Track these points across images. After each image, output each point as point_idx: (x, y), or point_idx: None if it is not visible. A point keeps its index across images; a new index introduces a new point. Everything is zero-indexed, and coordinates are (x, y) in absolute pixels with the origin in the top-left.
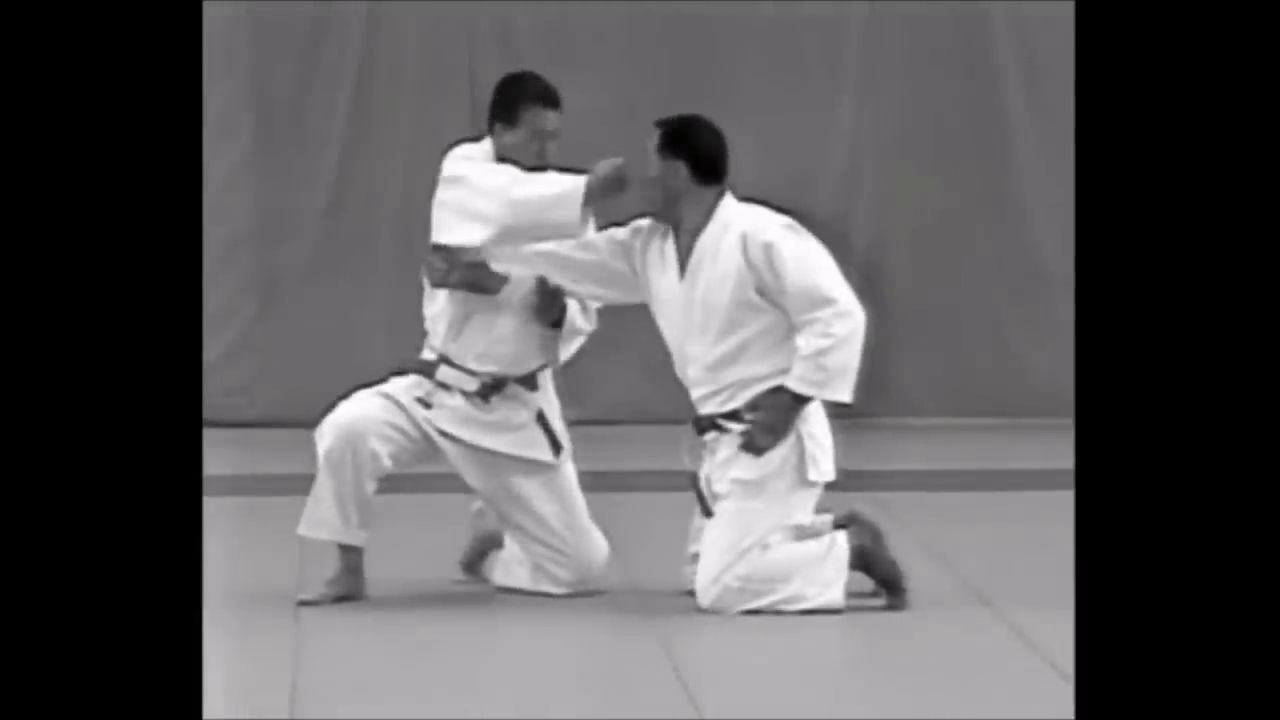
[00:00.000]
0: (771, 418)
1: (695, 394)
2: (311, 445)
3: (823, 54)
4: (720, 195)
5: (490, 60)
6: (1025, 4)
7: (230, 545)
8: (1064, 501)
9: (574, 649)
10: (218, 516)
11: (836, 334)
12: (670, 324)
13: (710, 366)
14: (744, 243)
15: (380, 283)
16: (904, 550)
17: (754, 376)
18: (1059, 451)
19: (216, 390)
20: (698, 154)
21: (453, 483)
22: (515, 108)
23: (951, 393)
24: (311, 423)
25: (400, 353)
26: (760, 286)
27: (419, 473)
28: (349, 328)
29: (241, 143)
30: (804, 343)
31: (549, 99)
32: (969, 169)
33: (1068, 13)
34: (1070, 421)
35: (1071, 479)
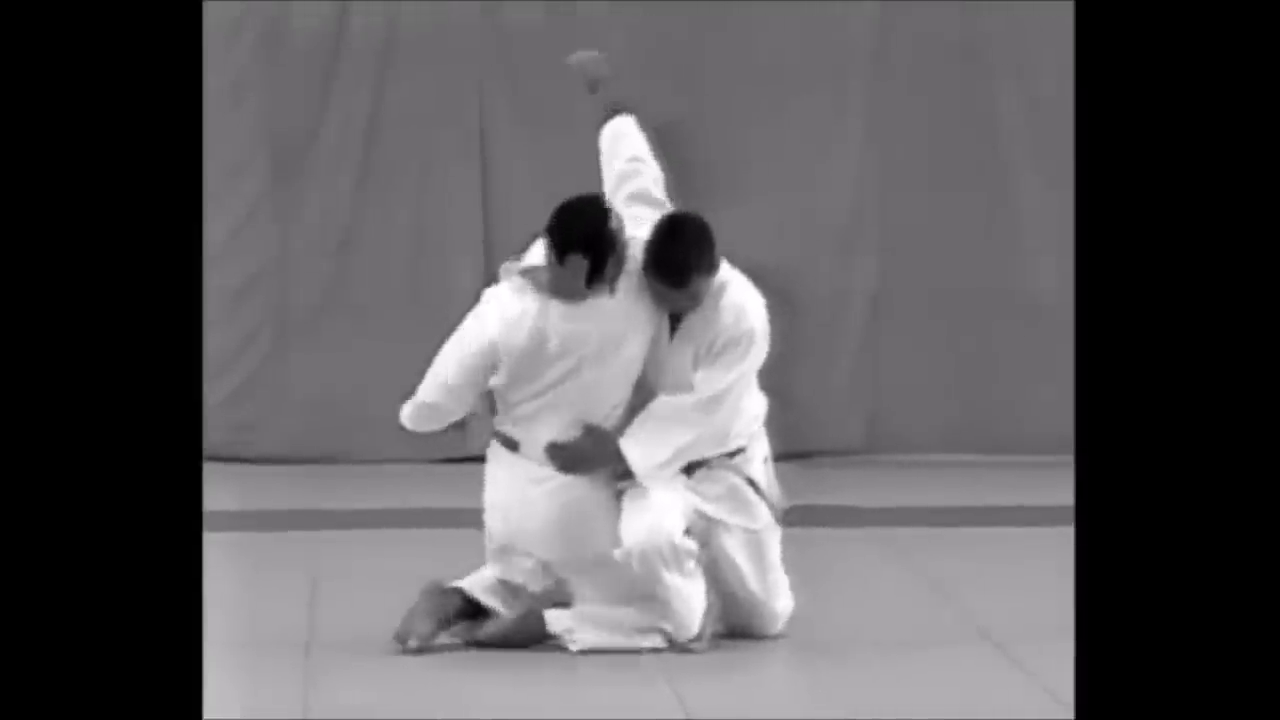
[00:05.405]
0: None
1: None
2: (321, 478)
3: (828, 89)
4: None
5: (500, 95)
6: (1027, 42)
7: (240, 582)
8: (1062, 537)
9: (584, 690)
10: (227, 552)
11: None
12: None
13: None
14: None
15: (392, 321)
16: (905, 584)
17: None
18: (1057, 487)
19: (228, 426)
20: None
21: (475, 519)
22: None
23: (952, 430)
24: (322, 459)
25: (413, 389)
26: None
27: (439, 507)
28: (361, 366)
29: (255, 181)
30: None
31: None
32: (970, 207)
33: (1068, 51)
34: (1068, 458)
35: (1069, 514)
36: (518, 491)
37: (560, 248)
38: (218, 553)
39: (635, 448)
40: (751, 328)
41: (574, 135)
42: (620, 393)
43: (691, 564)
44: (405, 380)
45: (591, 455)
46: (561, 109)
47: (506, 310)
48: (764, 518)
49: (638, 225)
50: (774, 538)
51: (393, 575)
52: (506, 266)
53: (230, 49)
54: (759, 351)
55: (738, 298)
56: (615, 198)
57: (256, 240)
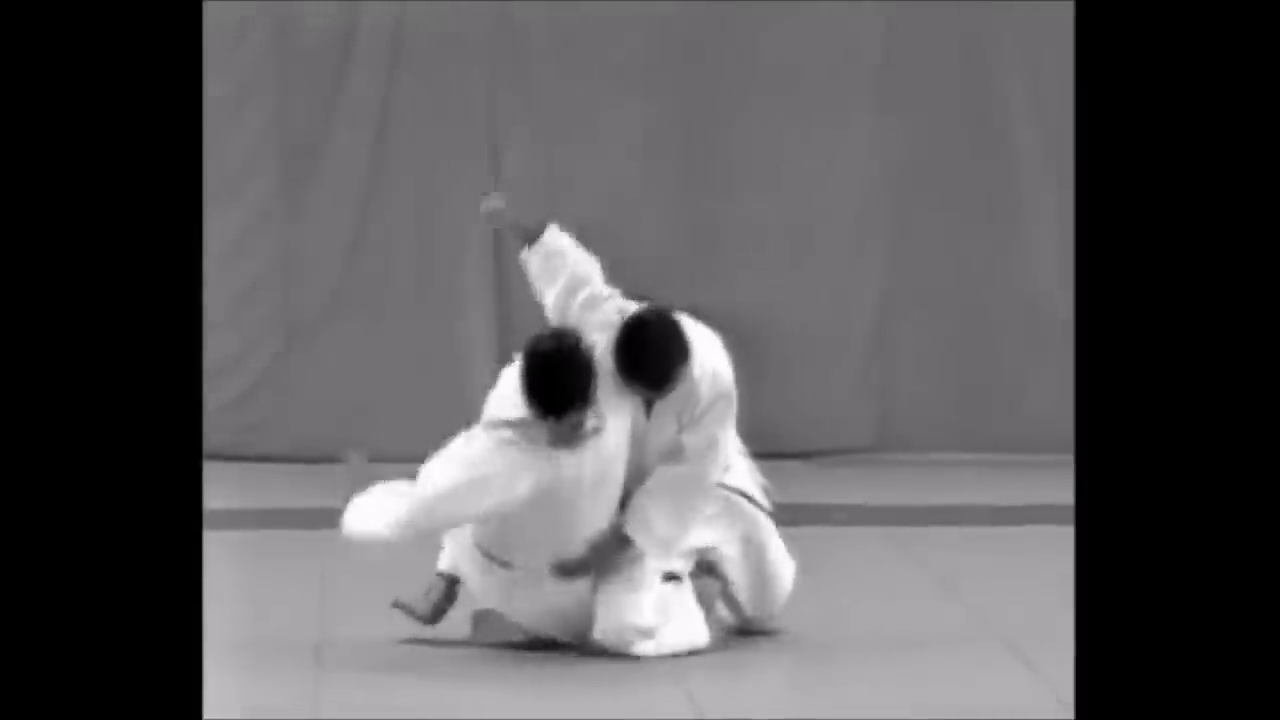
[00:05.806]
0: None
1: None
2: (327, 477)
3: (834, 89)
4: None
5: (510, 98)
6: (1033, 43)
7: (247, 580)
8: (1065, 536)
9: (594, 690)
10: (234, 551)
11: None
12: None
13: None
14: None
15: (400, 322)
16: (914, 582)
17: None
18: (1065, 486)
19: (235, 427)
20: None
21: None
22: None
23: (960, 429)
24: (328, 460)
25: (421, 390)
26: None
27: None
28: (372, 366)
29: (264, 182)
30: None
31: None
32: (974, 206)
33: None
34: (1070, 457)
35: (1071, 514)
36: (504, 602)
37: (556, 410)
38: (225, 551)
39: (646, 535)
40: (727, 385)
41: (583, 135)
42: (614, 502)
43: (660, 626)
44: (409, 380)
45: (597, 561)
46: (571, 109)
47: (501, 473)
48: (759, 519)
49: (601, 330)
50: (770, 532)
51: (395, 576)
52: (489, 421)
53: (238, 49)
54: (734, 401)
55: (707, 363)
56: (569, 312)
57: (265, 241)
